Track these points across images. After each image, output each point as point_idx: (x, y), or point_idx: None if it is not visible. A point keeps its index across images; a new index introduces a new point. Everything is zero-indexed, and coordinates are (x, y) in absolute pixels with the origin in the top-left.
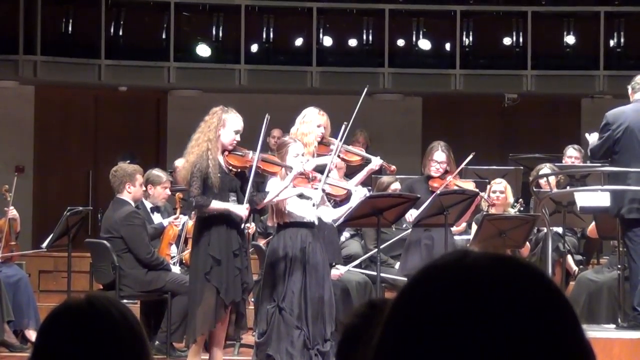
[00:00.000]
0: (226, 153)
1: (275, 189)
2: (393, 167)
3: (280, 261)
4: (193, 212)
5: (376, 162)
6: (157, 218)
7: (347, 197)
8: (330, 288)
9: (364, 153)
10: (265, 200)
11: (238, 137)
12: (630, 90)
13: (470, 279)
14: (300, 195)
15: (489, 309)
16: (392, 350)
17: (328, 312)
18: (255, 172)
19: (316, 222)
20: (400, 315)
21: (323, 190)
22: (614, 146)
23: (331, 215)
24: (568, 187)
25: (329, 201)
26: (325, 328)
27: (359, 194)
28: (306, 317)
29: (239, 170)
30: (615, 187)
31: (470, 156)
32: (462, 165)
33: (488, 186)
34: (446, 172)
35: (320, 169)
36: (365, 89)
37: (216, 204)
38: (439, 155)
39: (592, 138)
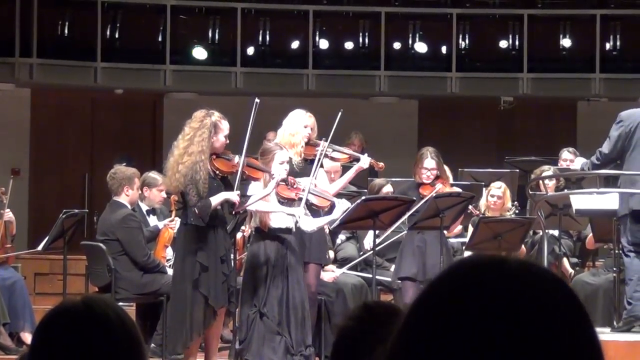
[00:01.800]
0: (213, 156)
1: (257, 194)
2: (381, 164)
3: (260, 266)
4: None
5: (365, 160)
6: (153, 220)
7: (330, 208)
8: (305, 293)
9: (351, 152)
10: (247, 204)
11: (227, 140)
12: None
13: (511, 289)
14: (282, 204)
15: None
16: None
17: (306, 316)
18: (240, 177)
19: (294, 229)
20: (433, 314)
21: (307, 201)
22: (626, 142)
23: (311, 225)
24: (565, 190)
25: (309, 209)
26: (306, 334)
27: (342, 206)
28: (288, 323)
29: (224, 174)
30: (611, 190)
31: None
32: (430, 196)
33: (484, 189)
34: (437, 178)
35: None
36: (340, 113)
37: (214, 200)
38: (429, 162)
39: (577, 163)
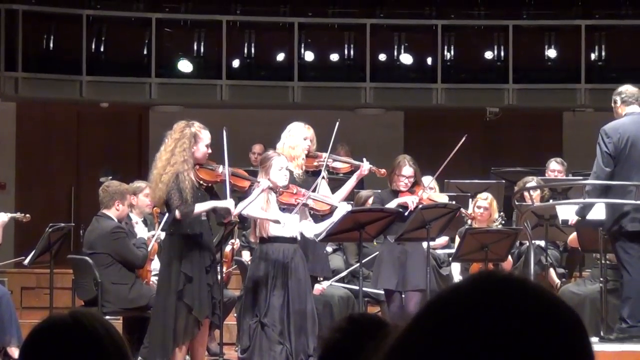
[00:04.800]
0: (197, 167)
1: (244, 201)
2: (383, 171)
3: (262, 276)
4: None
5: (365, 166)
6: (143, 232)
7: (330, 212)
8: (312, 302)
9: (351, 160)
10: (235, 212)
11: (209, 150)
12: (619, 103)
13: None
14: (283, 210)
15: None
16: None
17: (310, 326)
18: (230, 188)
19: (299, 237)
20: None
21: (306, 205)
22: (615, 157)
23: (313, 230)
24: (550, 201)
25: (311, 215)
26: (308, 343)
27: (342, 209)
28: (289, 333)
29: (209, 184)
30: (596, 200)
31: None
32: (456, 149)
33: (470, 200)
34: (413, 185)
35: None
36: (337, 124)
37: (200, 207)
38: (407, 170)
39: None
